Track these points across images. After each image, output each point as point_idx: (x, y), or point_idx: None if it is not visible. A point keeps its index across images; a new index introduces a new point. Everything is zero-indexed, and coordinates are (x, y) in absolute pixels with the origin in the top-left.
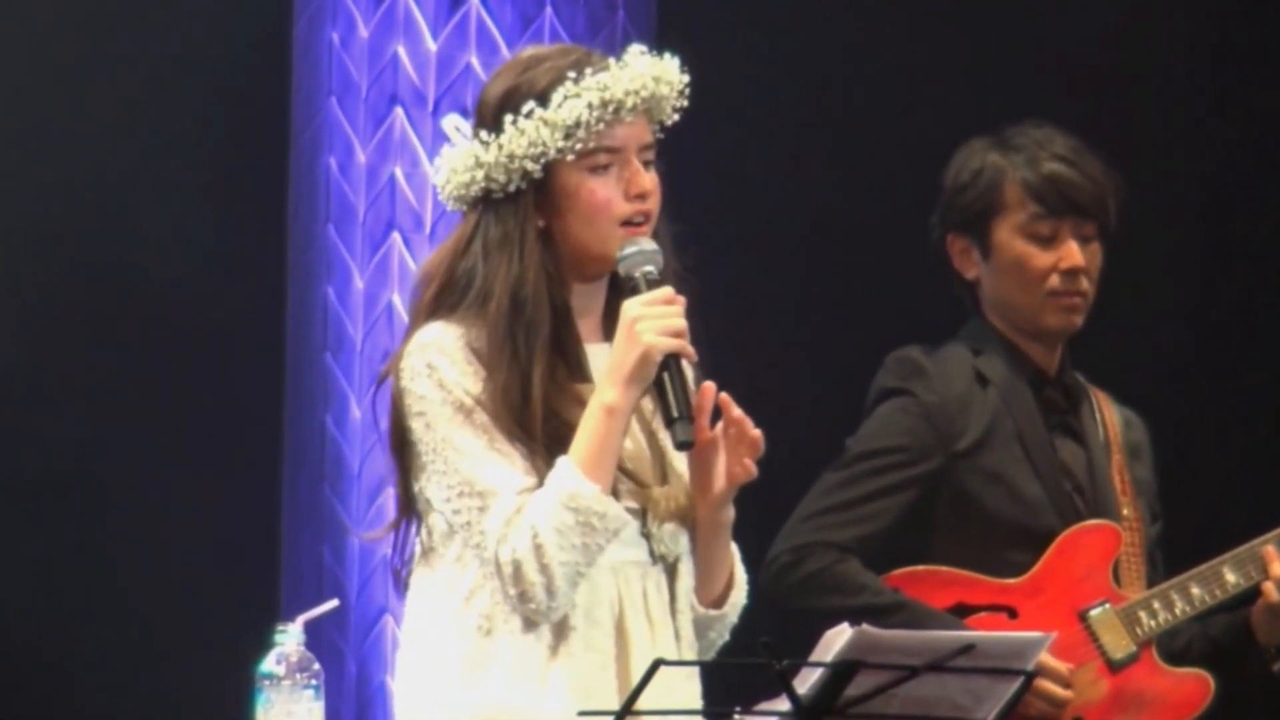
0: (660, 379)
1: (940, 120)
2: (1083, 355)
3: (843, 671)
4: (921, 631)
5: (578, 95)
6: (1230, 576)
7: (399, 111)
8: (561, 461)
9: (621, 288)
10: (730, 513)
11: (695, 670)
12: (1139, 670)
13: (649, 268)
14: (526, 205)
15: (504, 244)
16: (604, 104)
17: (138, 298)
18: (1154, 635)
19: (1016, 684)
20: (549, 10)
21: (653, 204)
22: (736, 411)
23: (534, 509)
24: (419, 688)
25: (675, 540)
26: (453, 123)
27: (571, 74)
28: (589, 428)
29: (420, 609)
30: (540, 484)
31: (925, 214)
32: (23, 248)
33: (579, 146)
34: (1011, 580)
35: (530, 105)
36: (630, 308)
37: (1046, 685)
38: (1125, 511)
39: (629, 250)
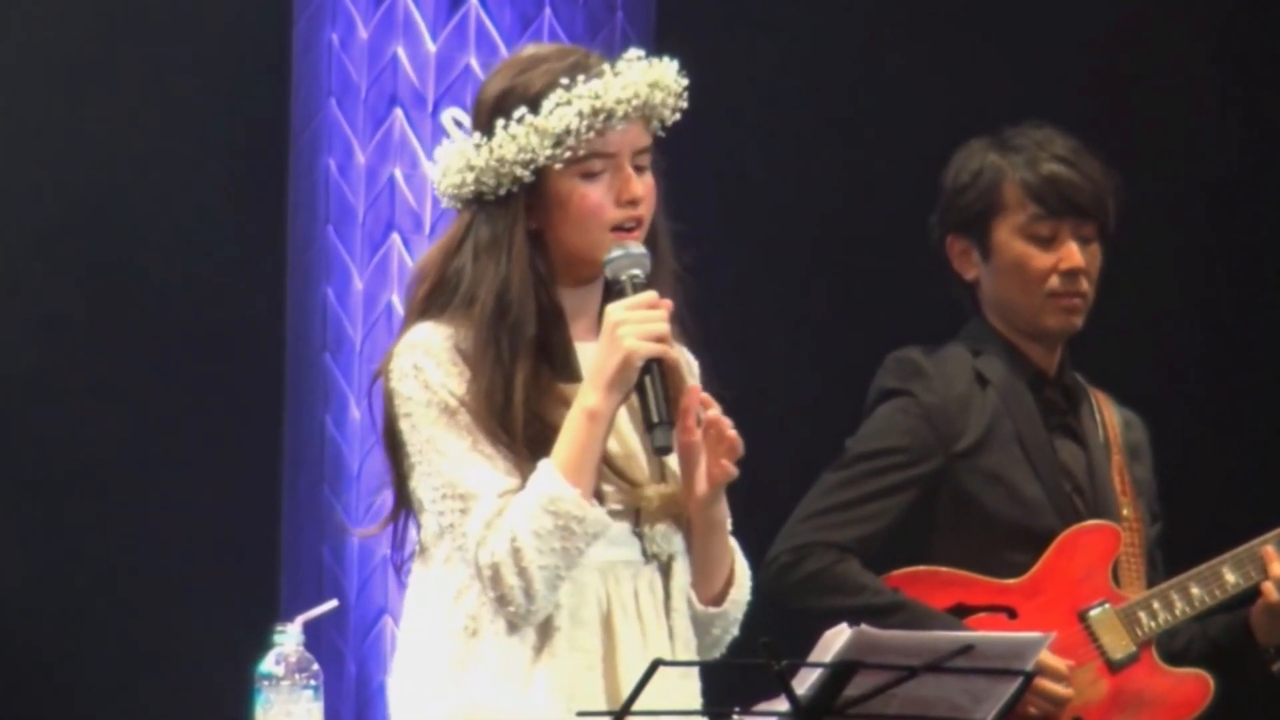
0: (642, 383)
1: (941, 121)
2: (1083, 356)
3: (842, 672)
4: (920, 632)
5: (568, 103)
6: (1230, 577)
7: (398, 112)
8: (543, 465)
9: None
10: (721, 511)
11: (693, 669)
12: (1139, 670)
13: (635, 271)
14: (516, 209)
15: (492, 246)
16: (595, 112)
17: (137, 298)
18: (1154, 635)
19: (1015, 684)
20: (548, 11)
21: (644, 209)
22: (712, 413)
23: (514, 512)
24: (409, 685)
25: (668, 539)
26: (452, 116)
27: (564, 80)
28: (570, 432)
29: (414, 607)
30: (522, 486)
31: (925, 215)
32: (22, 249)
33: (568, 155)
34: (1011, 580)
35: (522, 111)
36: (613, 312)
37: (1046, 684)
38: (1125, 512)
39: (615, 254)
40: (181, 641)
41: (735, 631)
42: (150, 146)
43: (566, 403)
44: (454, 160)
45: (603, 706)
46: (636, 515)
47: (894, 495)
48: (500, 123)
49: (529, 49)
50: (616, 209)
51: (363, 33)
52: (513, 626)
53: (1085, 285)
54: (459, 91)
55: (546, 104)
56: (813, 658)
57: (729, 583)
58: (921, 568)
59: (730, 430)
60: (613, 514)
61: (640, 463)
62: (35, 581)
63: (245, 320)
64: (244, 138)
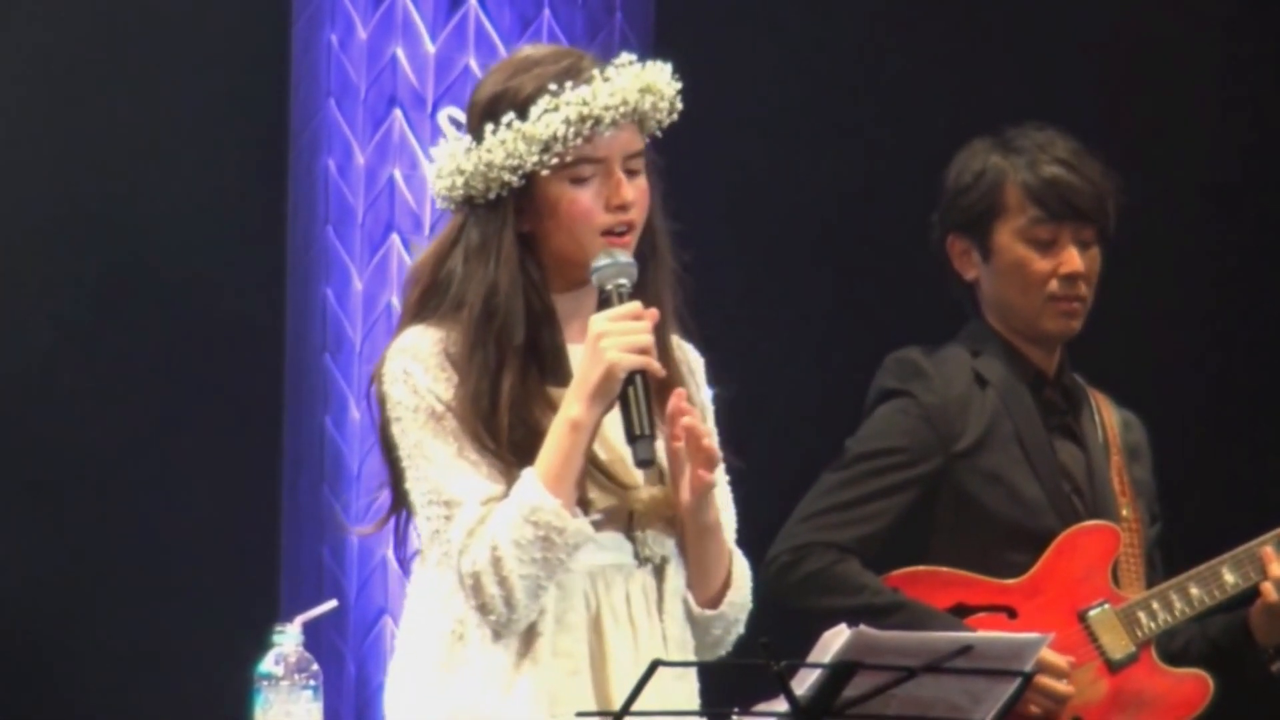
0: (625, 395)
1: (942, 122)
2: (1083, 357)
3: (841, 672)
4: (919, 632)
5: (555, 109)
6: (1229, 577)
7: (398, 113)
8: (526, 474)
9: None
10: (712, 515)
11: (690, 671)
12: (1138, 670)
13: (622, 281)
14: (506, 213)
15: (482, 250)
16: (582, 119)
17: (137, 298)
18: (1153, 636)
19: (1014, 685)
20: (547, 12)
21: (635, 214)
22: (687, 421)
23: (496, 521)
24: (401, 687)
25: (661, 542)
26: (448, 115)
27: (553, 85)
28: (554, 441)
29: (412, 607)
30: (507, 492)
31: (926, 216)
32: (21, 249)
33: (555, 161)
34: (1011, 581)
35: (510, 116)
36: (596, 323)
37: (1047, 680)
38: (1124, 512)
39: (603, 262)
40: (181, 641)
41: (739, 631)
42: (150, 147)
43: (555, 407)
44: (445, 163)
45: (591, 711)
46: (629, 518)
47: (894, 495)
48: (489, 127)
49: (525, 50)
50: (607, 214)
51: (362, 33)
52: (497, 633)
53: (1084, 289)
54: (458, 92)
55: (534, 110)
56: (812, 658)
57: (726, 585)
58: (921, 568)
59: (706, 440)
60: (604, 517)
61: (631, 466)
62: (35, 581)
63: (245, 321)
64: (244, 138)
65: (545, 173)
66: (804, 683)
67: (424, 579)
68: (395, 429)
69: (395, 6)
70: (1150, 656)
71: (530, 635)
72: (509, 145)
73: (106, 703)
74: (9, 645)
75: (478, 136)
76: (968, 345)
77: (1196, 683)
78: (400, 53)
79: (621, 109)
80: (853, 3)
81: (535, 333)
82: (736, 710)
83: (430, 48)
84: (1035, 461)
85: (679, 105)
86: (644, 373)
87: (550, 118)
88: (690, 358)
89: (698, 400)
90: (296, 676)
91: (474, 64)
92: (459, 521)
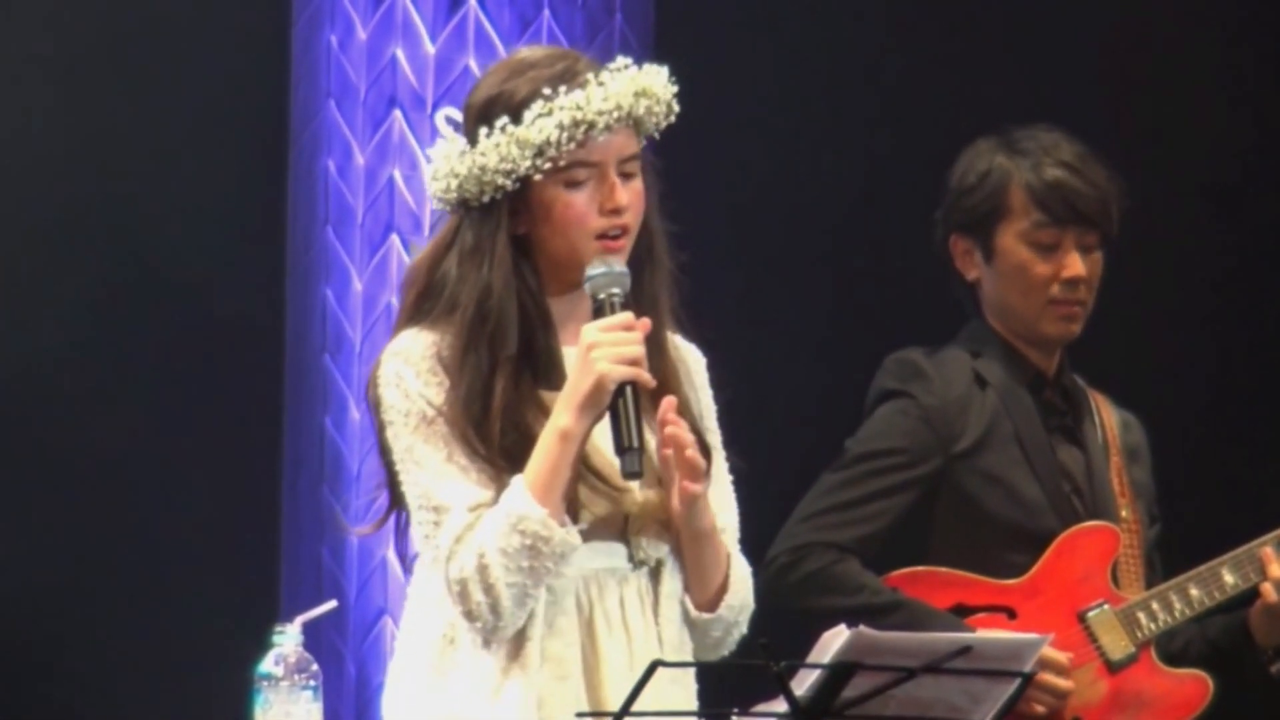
0: (615, 406)
1: (944, 124)
2: (1084, 358)
3: (840, 673)
4: (919, 633)
5: (549, 114)
6: (1228, 578)
7: (397, 114)
8: (515, 481)
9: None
10: (706, 521)
11: (689, 673)
12: (1138, 671)
13: (615, 290)
14: (499, 216)
15: (475, 253)
16: (575, 124)
17: (137, 299)
18: (1153, 636)
19: (1014, 685)
20: (546, 13)
21: (630, 217)
22: (669, 430)
23: (483, 529)
24: (396, 689)
25: (656, 545)
26: (445, 115)
27: (547, 90)
28: (543, 450)
29: (410, 608)
30: (497, 498)
31: (928, 217)
32: (21, 250)
33: (548, 165)
34: (1011, 581)
35: (504, 120)
36: (588, 333)
37: (1048, 677)
38: (1124, 513)
39: (597, 270)
40: (181, 642)
41: (740, 633)
42: (150, 147)
43: (547, 411)
44: (440, 165)
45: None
46: (624, 522)
47: (893, 496)
48: (483, 131)
49: (521, 52)
50: (601, 218)
51: (361, 34)
52: (486, 638)
53: (1085, 294)
54: (458, 93)
55: (528, 114)
56: (811, 658)
57: (723, 588)
58: (921, 568)
59: (689, 451)
60: (598, 521)
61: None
62: (35, 582)
63: (245, 321)
64: (244, 138)
65: (539, 177)
66: (803, 683)
67: (422, 581)
68: (389, 433)
69: (395, 7)
70: (1150, 657)
71: (520, 640)
72: (502, 149)
73: (106, 703)
74: (9, 645)
75: (472, 139)
76: (968, 346)
77: (1196, 683)
78: (400, 53)
79: (615, 114)
80: (853, 3)
81: (529, 336)
82: (736, 711)
83: (430, 48)
84: (1035, 462)
85: (676, 107)
86: (635, 384)
87: (544, 122)
88: (691, 357)
89: (695, 400)
90: (296, 677)
91: (474, 65)
92: (447, 528)
